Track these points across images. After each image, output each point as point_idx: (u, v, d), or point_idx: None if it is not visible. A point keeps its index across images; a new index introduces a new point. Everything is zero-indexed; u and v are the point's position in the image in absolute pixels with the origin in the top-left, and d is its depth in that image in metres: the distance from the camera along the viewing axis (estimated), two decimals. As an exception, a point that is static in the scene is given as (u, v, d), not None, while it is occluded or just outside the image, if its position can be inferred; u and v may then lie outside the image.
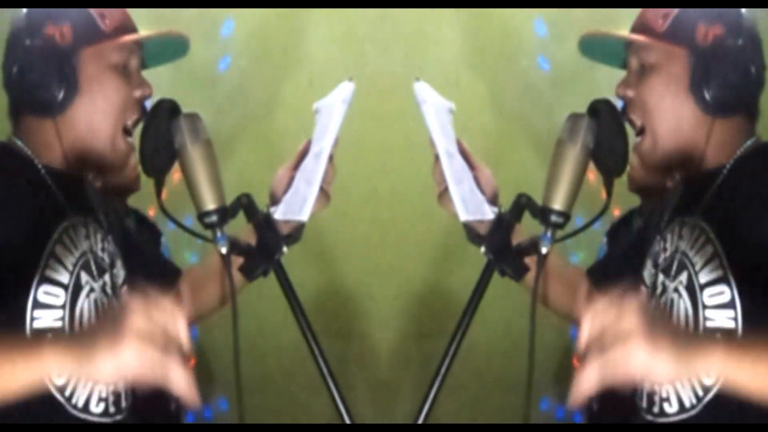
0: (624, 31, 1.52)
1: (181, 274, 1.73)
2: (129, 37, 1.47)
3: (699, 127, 1.44)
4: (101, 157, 1.46)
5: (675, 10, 1.45)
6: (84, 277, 1.42)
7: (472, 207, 1.42)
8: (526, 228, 1.49)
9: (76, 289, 1.40)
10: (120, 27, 1.46)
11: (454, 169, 1.41)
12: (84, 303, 1.42)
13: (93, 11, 1.44)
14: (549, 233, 1.40)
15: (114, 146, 1.45)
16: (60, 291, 1.38)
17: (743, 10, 1.46)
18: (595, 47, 1.57)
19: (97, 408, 1.39)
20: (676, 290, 1.44)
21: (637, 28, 1.50)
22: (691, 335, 1.10)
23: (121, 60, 1.45)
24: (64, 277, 1.38)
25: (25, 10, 1.44)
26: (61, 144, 1.43)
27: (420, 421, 1.42)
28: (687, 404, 1.39)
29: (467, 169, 1.45)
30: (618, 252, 1.72)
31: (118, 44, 1.45)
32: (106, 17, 1.45)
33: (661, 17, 1.46)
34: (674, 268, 1.45)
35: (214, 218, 1.40)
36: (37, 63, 1.40)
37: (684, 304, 1.43)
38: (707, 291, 1.39)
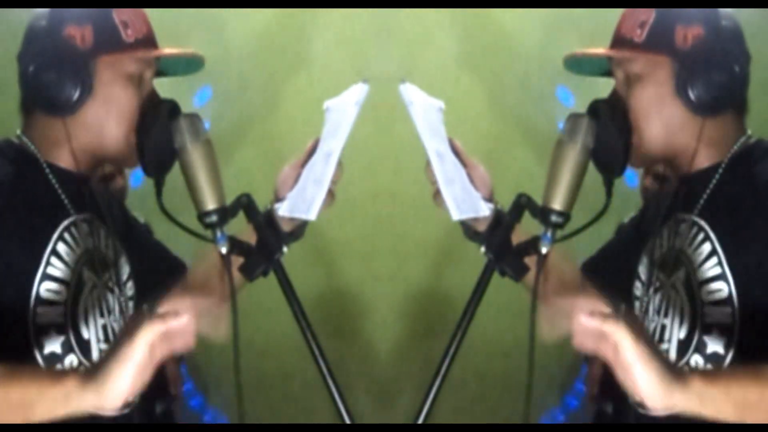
0: (604, 47, 1.52)
1: (187, 268, 1.73)
2: (149, 53, 1.47)
3: (689, 128, 1.44)
4: (111, 156, 1.47)
5: (650, 18, 1.44)
6: (86, 274, 1.43)
7: (465, 206, 1.41)
8: (527, 228, 1.49)
9: (78, 287, 1.41)
10: (141, 39, 1.46)
11: (444, 169, 1.39)
12: (87, 300, 1.42)
13: (117, 19, 1.43)
14: (549, 233, 1.41)
15: (124, 146, 1.45)
16: (62, 288, 1.38)
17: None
18: (579, 65, 1.58)
19: None
20: (673, 286, 1.45)
21: (616, 42, 1.50)
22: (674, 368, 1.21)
23: (137, 71, 1.46)
24: (66, 275, 1.39)
25: (47, 9, 1.44)
26: (70, 143, 1.43)
27: (420, 421, 1.42)
28: None
29: (460, 168, 1.44)
30: (613, 247, 1.73)
31: (137, 57, 1.45)
32: (129, 27, 1.44)
33: (638, 27, 1.45)
34: (671, 264, 1.46)
35: (214, 218, 1.40)
36: (54, 63, 1.40)
37: (681, 300, 1.43)
38: (705, 288, 1.39)
